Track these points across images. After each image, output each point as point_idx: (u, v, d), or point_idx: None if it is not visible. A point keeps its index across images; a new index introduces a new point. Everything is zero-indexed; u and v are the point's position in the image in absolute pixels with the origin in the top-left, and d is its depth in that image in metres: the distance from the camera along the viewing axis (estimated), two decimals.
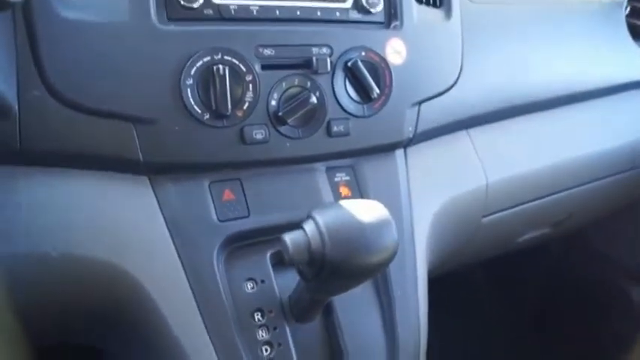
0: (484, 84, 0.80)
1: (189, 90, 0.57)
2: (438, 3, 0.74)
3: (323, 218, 0.46)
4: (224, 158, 0.61)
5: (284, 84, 0.61)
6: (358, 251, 0.46)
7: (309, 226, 0.47)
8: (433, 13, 0.73)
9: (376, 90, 0.65)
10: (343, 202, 0.49)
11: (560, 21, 0.93)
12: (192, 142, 0.59)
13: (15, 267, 0.56)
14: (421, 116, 0.72)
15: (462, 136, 0.80)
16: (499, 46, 0.82)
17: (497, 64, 0.81)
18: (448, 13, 0.74)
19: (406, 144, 0.73)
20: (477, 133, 0.81)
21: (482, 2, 0.81)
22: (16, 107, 0.54)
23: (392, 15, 0.68)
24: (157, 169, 0.59)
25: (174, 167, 0.60)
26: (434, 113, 0.74)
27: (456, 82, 0.75)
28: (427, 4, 0.72)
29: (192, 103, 0.57)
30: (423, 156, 0.75)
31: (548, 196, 0.90)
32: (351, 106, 0.65)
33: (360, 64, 0.64)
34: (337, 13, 0.65)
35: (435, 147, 0.77)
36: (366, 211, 0.47)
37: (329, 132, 0.64)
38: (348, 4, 0.66)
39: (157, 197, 0.59)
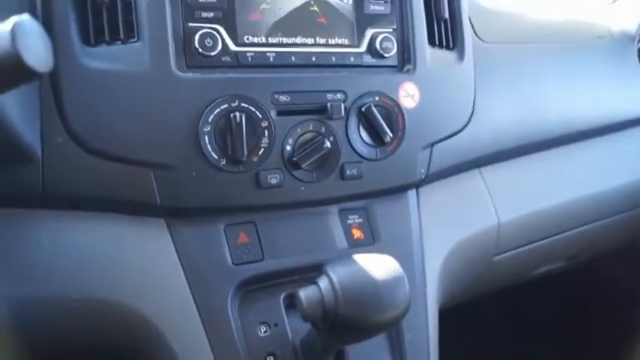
0: (497, 123, 0.80)
1: (206, 137, 0.58)
2: (450, 45, 0.75)
3: (337, 275, 0.47)
4: (239, 202, 0.62)
5: (299, 129, 0.63)
6: (371, 309, 0.46)
7: (323, 283, 0.48)
8: (446, 55, 0.74)
9: (389, 134, 0.66)
10: (357, 257, 0.50)
11: (573, 57, 0.93)
12: (209, 186, 0.60)
13: (34, 307, 0.58)
14: (433, 157, 0.73)
15: (473, 175, 0.81)
16: (512, 85, 0.83)
17: (510, 102, 0.82)
18: (461, 54, 0.74)
19: (418, 185, 0.73)
20: (489, 171, 0.82)
21: (494, 42, 0.82)
22: (40, 153, 0.56)
23: (405, 59, 0.69)
24: (174, 212, 0.61)
25: (191, 211, 0.61)
26: (446, 154, 0.74)
27: (468, 123, 0.75)
28: (440, 46, 0.73)
29: (210, 149, 0.59)
30: (435, 196, 0.76)
31: (561, 233, 0.90)
32: (364, 150, 0.66)
33: (373, 109, 0.65)
34: (352, 58, 0.66)
35: (447, 186, 0.77)
36: (380, 267, 0.48)
37: (342, 175, 0.65)
38: (362, 48, 0.67)
39: (173, 240, 0.60)
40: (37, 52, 0.37)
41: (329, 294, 0.47)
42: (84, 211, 0.59)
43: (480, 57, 0.77)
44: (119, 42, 0.57)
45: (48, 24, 0.56)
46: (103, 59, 0.56)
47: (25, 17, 0.38)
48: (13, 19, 0.37)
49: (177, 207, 0.60)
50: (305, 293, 0.48)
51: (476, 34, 0.80)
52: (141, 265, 0.60)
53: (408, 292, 0.48)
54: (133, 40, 0.57)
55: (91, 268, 0.58)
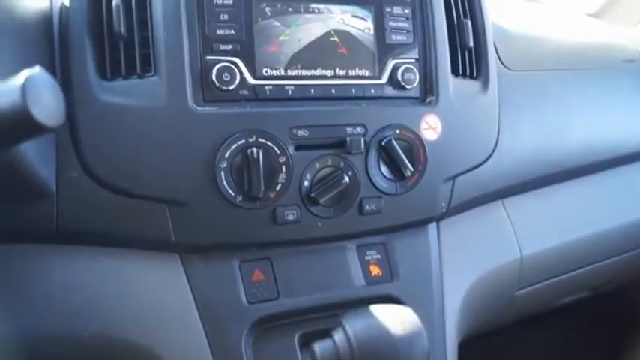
0: (521, 153, 0.78)
1: (222, 173, 0.57)
2: (474, 74, 0.72)
3: (353, 328, 0.45)
4: (255, 239, 0.60)
5: (317, 164, 0.61)
6: None
7: (338, 336, 0.46)
8: (470, 85, 0.71)
9: (410, 168, 0.64)
10: (374, 309, 0.48)
11: (598, 83, 0.90)
12: (224, 223, 0.58)
13: (44, 342, 0.57)
14: (455, 190, 0.70)
15: (496, 207, 0.78)
16: (536, 113, 0.80)
17: (534, 131, 0.79)
18: (485, 83, 0.72)
19: (439, 218, 0.71)
20: (512, 203, 0.79)
21: (519, 69, 0.79)
22: (54, 188, 0.55)
23: (427, 90, 0.67)
24: (189, 248, 0.59)
25: (206, 247, 0.60)
26: (468, 186, 0.72)
27: (492, 154, 0.73)
28: (464, 75, 0.71)
29: (226, 186, 0.57)
30: (455, 229, 0.73)
31: (586, 265, 0.86)
32: (383, 185, 0.64)
33: (394, 143, 0.63)
34: (372, 90, 0.65)
35: (469, 219, 0.75)
36: (397, 320, 0.46)
37: (361, 211, 0.63)
38: (384, 79, 0.65)
39: (187, 276, 0.59)
40: (48, 106, 0.36)
41: (345, 348, 0.45)
42: (97, 247, 0.59)
43: (503, 85, 0.75)
44: (136, 76, 0.56)
45: (64, 57, 0.55)
46: (120, 94, 0.55)
47: (37, 71, 0.37)
48: (25, 73, 0.36)
49: (191, 243, 0.59)
50: (320, 347, 0.46)
51: (500, 61, 0.78)
52: (154, 302, 0.58)
53: (426, 347, 0.46)
54: (150, 74, 0.56)
55: (103, 304, 0.57)
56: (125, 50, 0.56)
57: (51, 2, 0.58)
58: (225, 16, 0.58)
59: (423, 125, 0.66)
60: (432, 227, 0.71)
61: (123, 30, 0.55)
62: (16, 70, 0.38)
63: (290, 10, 0.61)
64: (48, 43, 0.56)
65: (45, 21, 0.56)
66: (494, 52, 0.75)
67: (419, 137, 0.65)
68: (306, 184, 0.61)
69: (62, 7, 0.57)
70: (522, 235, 0.78)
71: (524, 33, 0.88)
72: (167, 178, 0.56)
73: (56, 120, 0.37)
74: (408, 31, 0.67)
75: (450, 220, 0.73)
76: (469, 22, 0.70)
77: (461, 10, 0.71)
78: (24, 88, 0.35)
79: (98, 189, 0.55)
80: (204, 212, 0.57)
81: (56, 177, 0.55)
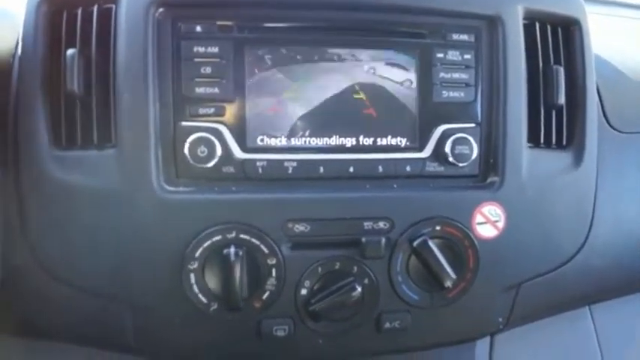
0: (623, 245, 0.56)
1: (192, 276, 0.44)
2: (564, 142, 0.51)
3: None
4: (233, 353, 0.47)
5: (320, 269, 0.46)
6: None
7: None
8: (555, 159, 0.50)
9: (452, 277, 0.46)
10: None
11: None
12: (195, 333, 0.46)
13: None
14: (520, 299, 0.52)
15: (580, 315, 0.58)
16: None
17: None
18: (579, 156, 0.51)
19: (494, 333, 0.53)
20: (601, 311, 0.58)
21: (633, 131, 0.56)
22: None
23: (489, 167, 0.48)
24: (153, 355, 0.48)
25: (173, 355, 0.48)
26: (541, 291, 0.52)
27: (580, 249, 0.53)
28: (547, 145, 0.51)
29: (196, 291, 0.44)
30: (516, 344, 0.55)
31: None
32: (412, 296, 0.47)
33: (430, 245, 0.46)
34: (407, 167, 0.47)
35: (538, 331, 0.56)
36: None
37: (379, 328, 0.48)
38: (426, 152, 0.47)
39: None
40: None
41: None
42: (59, 343, 0.49)
43: (608, 154, 0.53)
44: (93, 147, 0.44)
45: (16, 118, 0.45)
46: (75, 169, 0.44)
47: None
48: None
49: (155, 351, 0.48)
50: None
51: (606, 120, 0.55)
52: None
53: None
54: (110, 144, 0.44)
55: None
56: (82, 114, 0.44)
57: (16, 47, 0.47)
58: (208, 69, 0.44)
59: (477, 218, 0.48)
60: (483, 344, 0.53)
61: (78, 88, 0.43)
62: None
63: (299, 57, 0.45)
64: (3, 95, 0.46)
65: (4, 67, 0.46)
66: (598, 107, 0.53)
67: (468, 236, 0.47)
68: (303, 292, 0.46)
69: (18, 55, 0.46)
70: (610, 353, 0.57)
71: None
72: (127, 276, 0.45)
73: None
74: (467, 85, 0.48)
75: (510, 334, 0.54)
76: (561, 70, 0.50)
77: (551, 53, 0.50)
78: None
79: (50, 280, 0.45)
80: (170, 319, 0.46)
81: (1, 264, 0.45)
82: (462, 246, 0.47)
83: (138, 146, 0.43)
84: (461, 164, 0.47)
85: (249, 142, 0.45)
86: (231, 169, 0.45)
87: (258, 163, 0.45)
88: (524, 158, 0.48)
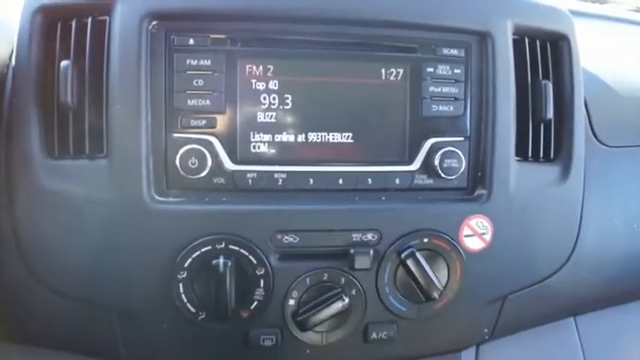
0: (607, 258, 0.56)
1: (181, 285, 0.45)
2: (551, 156, 0.52)
3: None
4: None
5: (308, 280, 0.46)
6: None
7: None
8: (542, 172, 0.51)
9: (439, 288, 0.47)
10: None
11: None
12: (183, 342, 0.47)
13: None
14: (505, 310, 0.52)
15: (565, 326, 0.58)
16: (637, 208, 0.58)
17: (631, 230, 0.57)
18: (566, 170, 0.51)
19: (479, 343, 0.54)
20: (586, 322, 0.59)
21: (619, 145, 0.57)
22: None
23: (477, 180, 0.49)
24: None
25: None
26: (526, 302, 0.53)
27: (566, 262, 0.53)
28: (535, 159, 0.51)
29: (185, 300, 0.45)
30: (503, 355, 0.55)
31: None
32: (400, 307, 0.48)
33: (418, 257, 0.46)
34: (397, 180, 0.48)
35: (522, 340, 0.56)
36: None
37: (366, 338, 0.48)
38: (415, 165, 0.48)
39: None
40: None
41: None
42: (47, 350, 0.50)
43: (594, 168, 0.54)
44: (85, 157, 0.44)
45: (9, 127, 0.45)
46: (66, 178, 0.44)
47: None
48: None
49: (144, 358, 0.48)
50: None
51: (593, 134, 0.56)
52: None
53: None
54: (101, 155, 0.44)
55: None
56: (74, 124, 0.44)
57: (10, 57, 0.47)
58: (200, 82, 0.44)
59: (466, 230, 0.48)
60: (469, 352, 0.54)
61: (71, 99, 0.43)
62: None
63: (290, 71, 0.46)
64: None
65: None
66: (585, 122, 0.54)
67: (456, 248, 0.48)
68: (291, 302, 0.47)
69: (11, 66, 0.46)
70: None
71: (633, 87, 0.63)
72: (116, 285, 0.45)
73: None
74: (456, 99, 0.48)
75: (497, 343, 0.55)
76: (550, 85, 0.50)
77: (540, 67, 0.51)
78: None
79: (40, 287, 0.46)
80: (159, 327, 0.46)
81: None
82: (449, 258, 0.48)
83: (129, 157, 0.44)
84: (449, 177, 0.48)
85: (240, 154, 0.45)
86: (222, 181, 0.45)
87: (248, 175, 0.46)
88: (512, 171, 0.49)
